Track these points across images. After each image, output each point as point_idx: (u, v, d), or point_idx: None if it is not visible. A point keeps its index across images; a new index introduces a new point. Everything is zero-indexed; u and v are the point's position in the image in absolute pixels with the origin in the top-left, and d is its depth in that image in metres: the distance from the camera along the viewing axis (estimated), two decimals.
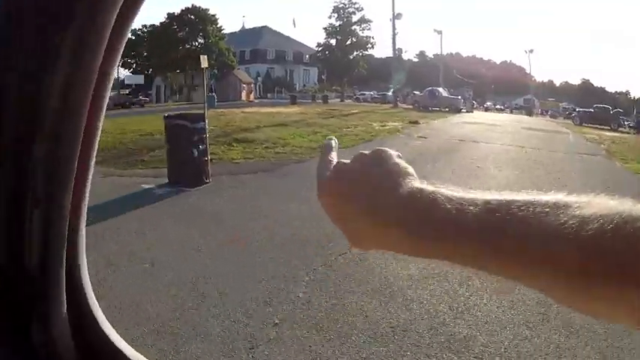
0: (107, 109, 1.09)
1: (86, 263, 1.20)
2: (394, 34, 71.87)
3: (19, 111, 0.99)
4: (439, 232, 0.62)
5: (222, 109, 39.33)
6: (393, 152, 0.75)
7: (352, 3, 79.73)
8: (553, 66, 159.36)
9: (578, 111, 54.50)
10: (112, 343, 1.23)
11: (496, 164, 17.90)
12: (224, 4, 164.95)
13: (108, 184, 12.68)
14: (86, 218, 1.13)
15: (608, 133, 37.62)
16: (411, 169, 0.72)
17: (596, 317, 0.56)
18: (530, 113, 65.62)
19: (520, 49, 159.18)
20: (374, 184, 0.70)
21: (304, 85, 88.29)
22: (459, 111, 51.42)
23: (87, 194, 1.15)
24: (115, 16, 1.02)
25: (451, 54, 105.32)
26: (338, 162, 0.79)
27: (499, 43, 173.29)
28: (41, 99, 0.98)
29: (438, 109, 51.44)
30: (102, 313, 1.23)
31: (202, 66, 17.35)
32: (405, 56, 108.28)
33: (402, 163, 0.73)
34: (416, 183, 0.68)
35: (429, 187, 0.66)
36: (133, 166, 15.82)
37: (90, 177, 1.16)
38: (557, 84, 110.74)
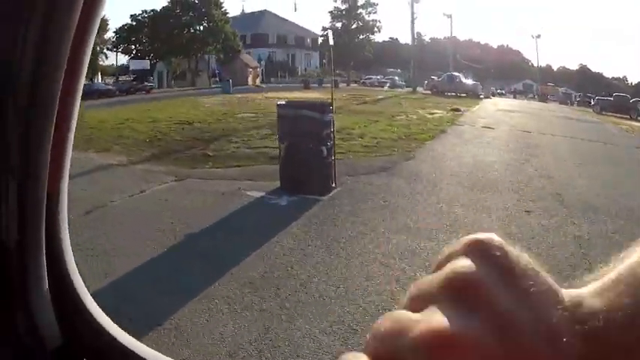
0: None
1: (68, 237, 1.24)
2: (413, 19, 68.65)
3: None
4: None
5: (240, 95, 37.24)
6: (494, 241, 0.41)
7: None
8: (551, 51, 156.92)
9: (598, 99, 52.74)
10: (96, 320, 1.23)
11: (594, 162, 15.77)
12: None
13: (195, 190, 10.62)
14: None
15: (635, 124, 35.97)
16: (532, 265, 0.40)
17: None
18: (544, 99, 63.37)
19: (517, 32, 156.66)
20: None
21: (306, 70, 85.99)
22: (478, 96, 49.04)
23: (67, 165, 1.18)
24: None
25: (447, 37, 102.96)
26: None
27: (496, 27, 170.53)
28: (14, 60, 1.00)
29: (454, 94, 49.22)
30: (85, 290, 1.25)
31: (330, 43, 14.97)
32: (402, 40, 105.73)
33: (518, 255, 0.40)
34: (563, 293, 0.40)
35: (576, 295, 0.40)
36: (201, 162, 13.50)
37: (70, 147, 1.17)
38: (555, 69, 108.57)
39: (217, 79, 66.51)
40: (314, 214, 8.69)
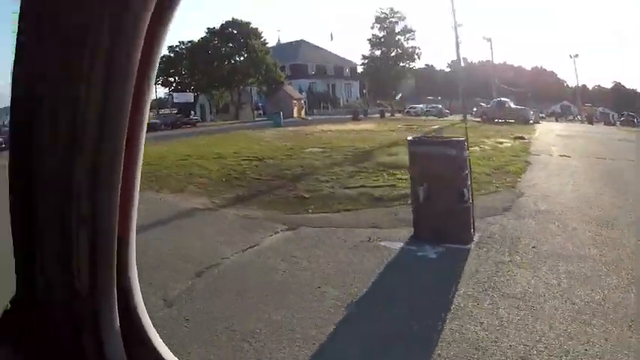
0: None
1: (137, 278, 1.31)
2: (457, 43, 67.09)
3: (57, 130, 1.08)
4: None
5: (292, 127, 36.87)
6: None
7: (394, 12, 74.49)
8: (585, 70, 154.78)
9: None
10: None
11: None
12: (256, 19, 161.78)
13: (318, 241, 9.45)
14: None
15: None
16: None
17: None
18: (590, 121, 62.11)
19: (551, 53, 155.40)
20: None
21: (347, 100, 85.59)
22: (527, 122, 48.13)
23: (135, 205, 1.27)
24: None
25: (482, 62, 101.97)
26: None
27: (530, 49, 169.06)
28: (78, 113, 1.07)
29: (502, 120, 48.41)
30: (155, 331, 1.35)
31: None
32: (437, 66, 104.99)
33: None
34: None
35: None
36: (299, 205, 12.56)
37: (137, 187, 1.27)
38: (590, 88, 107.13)
39: (261, 111, 66.38)
40: (475, 268, 7.77)
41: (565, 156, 21.52)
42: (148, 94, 1.21)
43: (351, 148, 22.20)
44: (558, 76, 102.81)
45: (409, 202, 11.18)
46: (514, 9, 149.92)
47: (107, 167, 1.13)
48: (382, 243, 9.16)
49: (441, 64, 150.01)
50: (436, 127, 38.60)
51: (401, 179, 14.34)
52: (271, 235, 9.94)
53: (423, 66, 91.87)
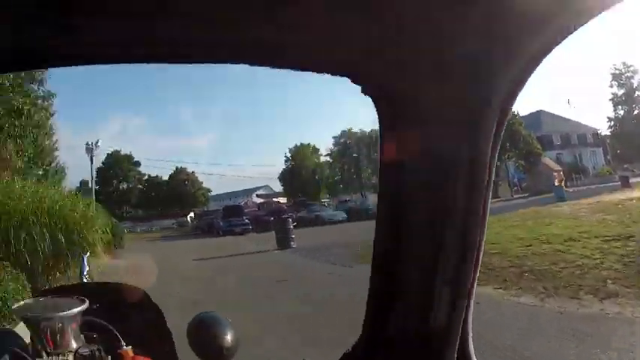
0: None
1: (471, 333, 1.42)
2: None
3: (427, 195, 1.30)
4: None
5: (585, 201, 35.33)
6: None
7: (627, 66, 71.06)
8: None
9: None
10: None
11: None
12: None
13: None
14: None
15: None
16: None
17: None
18: None
19: None
20: None
21: (594, 168, 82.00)
22: None
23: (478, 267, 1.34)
24: None
25: None
26: None
27: None
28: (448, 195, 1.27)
29: None
30: None
31: None
32: None
33: None
34: None
35: None
36: None
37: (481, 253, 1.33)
38: None
39: (518, 187, 64.66)
40: None
41: None
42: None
43: None
44: None
45: None
46: None
47: (472, 235, 1.27)
48: None
49: None
50: None
51: None
52: None
53: None
